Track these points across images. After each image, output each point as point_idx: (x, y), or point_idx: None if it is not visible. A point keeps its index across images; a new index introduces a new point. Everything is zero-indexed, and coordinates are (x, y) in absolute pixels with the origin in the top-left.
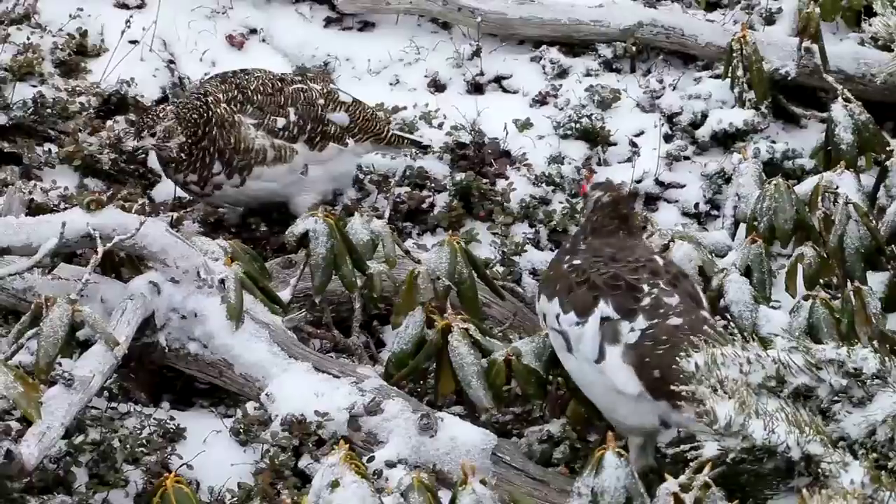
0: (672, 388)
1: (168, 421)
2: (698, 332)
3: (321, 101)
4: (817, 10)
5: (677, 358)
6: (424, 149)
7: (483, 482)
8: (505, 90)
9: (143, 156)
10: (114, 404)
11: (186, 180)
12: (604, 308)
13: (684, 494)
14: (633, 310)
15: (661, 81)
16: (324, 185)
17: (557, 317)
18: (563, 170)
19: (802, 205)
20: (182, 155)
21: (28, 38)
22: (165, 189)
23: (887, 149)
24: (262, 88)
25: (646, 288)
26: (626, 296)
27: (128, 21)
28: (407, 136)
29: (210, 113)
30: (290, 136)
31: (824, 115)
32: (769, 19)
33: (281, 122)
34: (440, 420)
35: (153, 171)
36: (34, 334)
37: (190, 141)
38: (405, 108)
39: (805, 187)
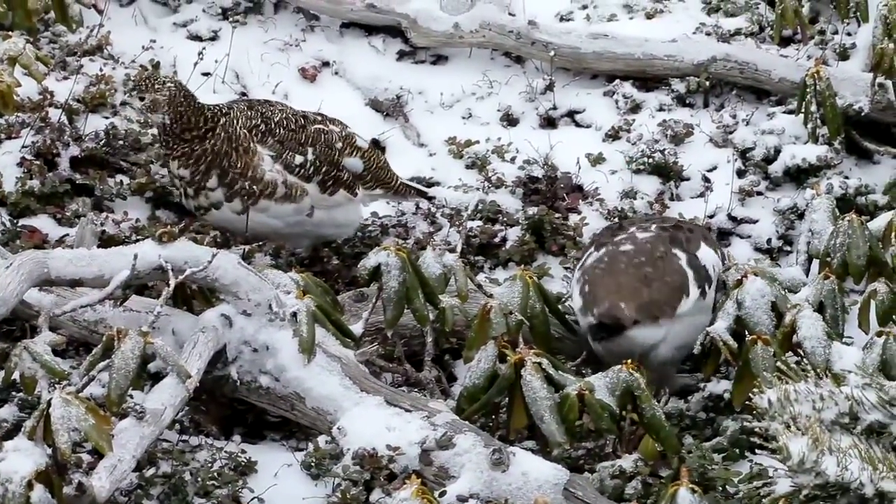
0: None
1: (239, 454)
2: (642, 255)
3: (339, 145)
4: (891, 45)
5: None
6: (430, 199)
7: None
8: (577, 124)
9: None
10: (185, 437)
11: (179, 173)
12: (591, 250)
13: None
14: (604, 243)
15: (734, 116)
16: (324, 231)
17: None
18: (636, 204)
19: (876, 241)
20: (163, 137)
21: (101, 70)
22: None
23: None
24: (285, 123)
25: (631, 228)
26: (606, 234)
27: (200, 53)
28: (414, 185)
29: (215, 123)
30: (304, 176)
31: None
32: (843, 55)
33: (299, 159)
34: (512, 455)
35: None
36: (106, 366)
37: (174, 127)
38: (477, 142)
39: (878, 223)
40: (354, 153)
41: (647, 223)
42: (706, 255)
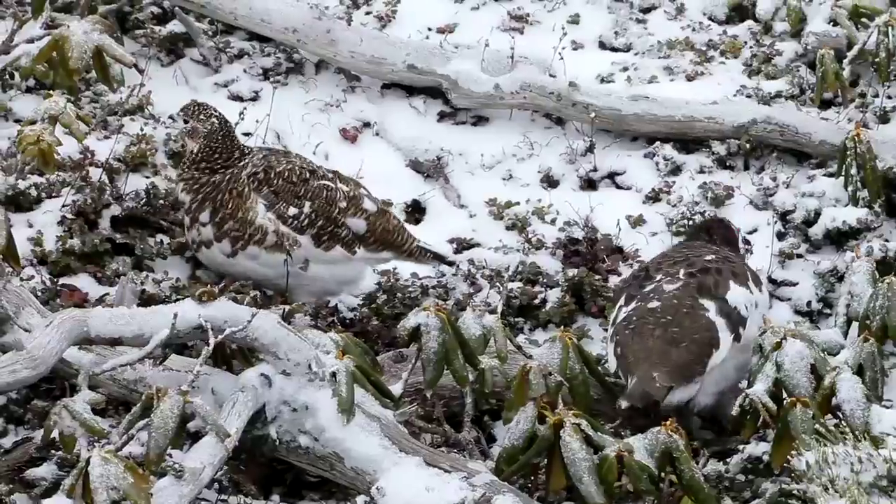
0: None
1: None
2: (668, 313)
3: (343, 204)
4: None
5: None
6: (450, 264)
7: None
8: (618, 186)
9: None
10: (224, 496)
11: (181, 197)
12: (621, 302)
13: None
14: (633, 296)
15: (774, 179)
16: (324, 285)
17: None
18: None
19: None
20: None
21: (141, 129)
22: None
23: None
24: (286, 174)
25: (658, 276)
26: (635, 285)
27: (241, 113)
28: (431, 249)
29: (233, 164)
30: (297, 227)
31: None
32: (883, 117)
33: (293, 210)
34: None
35: None
36: (145, 425)
37: (199, 156)
38: (518, 203)
39: None
40: (359, 214)
41: (675, 266)
42: (736, 295)
